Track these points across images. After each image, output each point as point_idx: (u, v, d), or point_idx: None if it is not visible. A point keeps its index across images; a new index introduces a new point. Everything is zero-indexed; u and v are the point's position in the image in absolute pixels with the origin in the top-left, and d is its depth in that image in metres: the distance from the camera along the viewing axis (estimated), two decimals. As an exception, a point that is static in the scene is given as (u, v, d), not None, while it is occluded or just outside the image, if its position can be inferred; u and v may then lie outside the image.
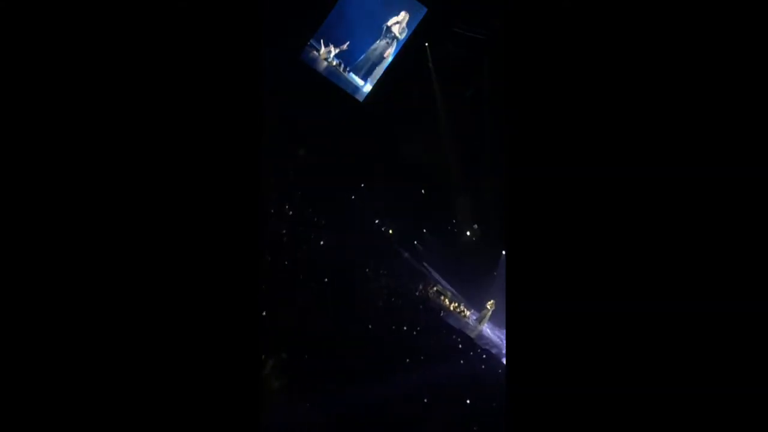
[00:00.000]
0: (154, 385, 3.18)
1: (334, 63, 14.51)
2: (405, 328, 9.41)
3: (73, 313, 3.15)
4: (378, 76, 14.98)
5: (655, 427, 3.10)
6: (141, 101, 3.28)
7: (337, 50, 14.39)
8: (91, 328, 3.16)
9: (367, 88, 15.01)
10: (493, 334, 14.80)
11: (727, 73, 3.14)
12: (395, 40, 14.66)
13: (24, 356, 3.08)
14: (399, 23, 14.46)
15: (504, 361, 12.32)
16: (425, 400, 6.42)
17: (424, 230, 18.29)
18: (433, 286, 15.42)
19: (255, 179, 3.36)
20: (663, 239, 3.18)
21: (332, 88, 14.28)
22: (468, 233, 18.63)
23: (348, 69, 14.70)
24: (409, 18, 14.44)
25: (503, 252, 18.63)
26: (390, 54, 14.79)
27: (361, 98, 15.12)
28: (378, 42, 14.65)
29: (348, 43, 14.48)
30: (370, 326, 8.07)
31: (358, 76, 14.89)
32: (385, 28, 14.53)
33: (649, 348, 3.14)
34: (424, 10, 14.26)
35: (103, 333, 3.16)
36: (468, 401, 7.28)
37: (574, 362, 3.20)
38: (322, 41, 14.04)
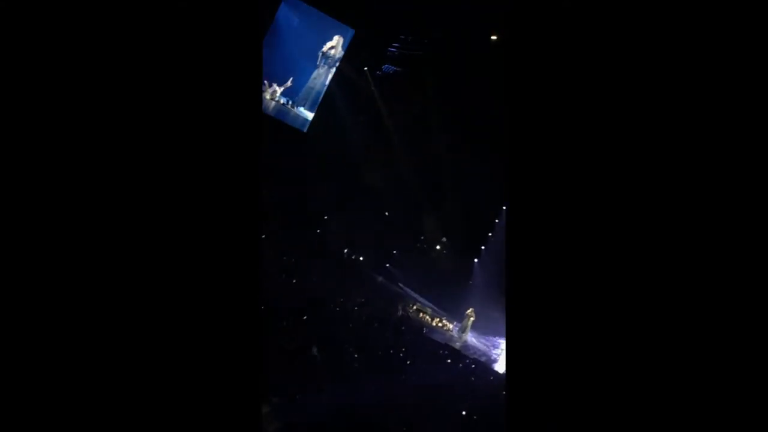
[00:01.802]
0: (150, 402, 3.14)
1: (282, 101, 14.46)
2: (391, 351, 9.35)
3: (67, 315, 3.12)
4: (317, 104, 14.98)
5: (655, 427, 3.09)
6: (140, 101, 3.26)
7: (282, 88, 14.36)
8: (85, 333, 3.12)
9: (308, 114, 14.99)
10: (479, 342, 14.77)
11: (726, 70, 3.17)
12: (335, 64, 14.69)
13: (24, 356, 3.06)
14: (334, 48, 14.49)
15: (495, 367, 12.30)
16: (422, 420, 6.35)
17: (394, 252, 18.29)
18: (412, 305, 15.36)
19: (255, 181, 3.34)
20: (661, 238, 3.17)
21: (273, 124, 14.16)
22: (438, 247, 18.67)
23: (294, 104, 14.68)
24: (335, 33, 14.48)
25: (475, 260, 18.77)
26: (330, 78, 14.81)
27: (304, 128, 15.08)
28: (317, 70, 14.66)
29: (291, 79, 14.45)
30: (356, 355, 8.00)
31: (305, 108, 14.87)
32: (320, 54, 14.55)
33: (648, 347, 3.13)
34: (352, 31, 14.34)
35: (97, 339, 3.13)
36: (464, 413, 7.22)
37: (574, 362, 3.17)
38: (265, 81, 13.95)
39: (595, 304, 3.18)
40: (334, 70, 14.69)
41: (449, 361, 10.70)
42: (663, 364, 3.10)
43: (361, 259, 17.87)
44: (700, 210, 3.13)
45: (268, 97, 14.10)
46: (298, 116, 14.84)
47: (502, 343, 15.89)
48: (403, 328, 12.02)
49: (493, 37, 13.84)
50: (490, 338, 15.64)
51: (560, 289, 3.23)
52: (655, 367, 3.10)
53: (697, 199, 3.14)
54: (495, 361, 13.29)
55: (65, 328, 3.13)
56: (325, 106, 15.15)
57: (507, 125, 3.42)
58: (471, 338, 14.65)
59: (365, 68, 15.87)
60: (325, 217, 17.22)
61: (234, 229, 3.32)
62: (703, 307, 3.07)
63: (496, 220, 18.34)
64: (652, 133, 3.20)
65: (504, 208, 18.47)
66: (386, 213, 18.18)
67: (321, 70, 14.69)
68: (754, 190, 3.08)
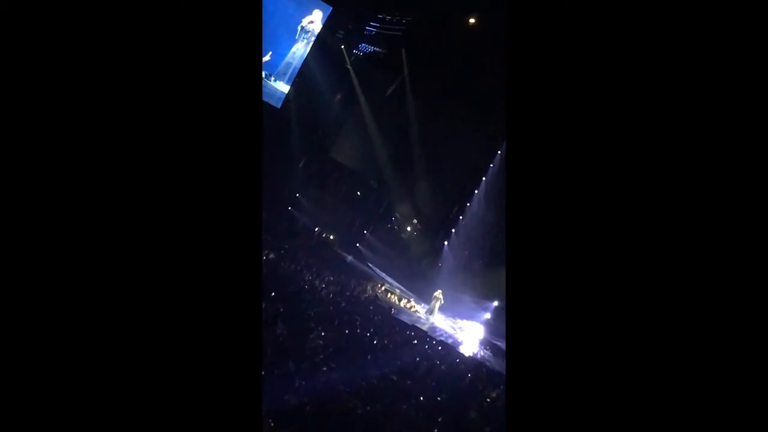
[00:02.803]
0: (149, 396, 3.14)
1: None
2: (358, 330, 9.36)
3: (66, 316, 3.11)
4: (293, 78, 14.91)
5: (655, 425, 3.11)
6: (139, 102, 3.21)
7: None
8: (85, 334, 3.12)
9: (285, 88, 14.89)
10: (446, 324, 14.91)
11: (726, 71, 3.17)
12: (313, 39, 14.60)
13: (24, 356, 3.03)
14: (313, 22, 14.40)
15: (460, 350, 12.43)
16: (386, 401, 6.39)
17: (365, 232, 18.34)
18: (381, 286, 15.42)
19: (257, 181, 3.33)
20: (664, 238, 3.18)
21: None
22: (409, 228, 18.75)
23: (273, 77, 14.56)
24: (311, 9, 14.40)
25: (445, 243, 18.91)
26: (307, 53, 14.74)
27: (279, 104, 15.00)
28: (297, 44, 14.56)
29: (270, 53, 14.33)
30: (323, 333, 7.99)
31: (283, 82, 14.76)
32: (300, 28, 14.45)
33: (649, 346, 3.14)
34: (329, 9, 14.24)
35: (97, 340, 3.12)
36: (422, 398, 7.25)
37: (574, 361, 3.18)
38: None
39: (596, 303, 3.19)
40: (311, 44, 14.61)
41: (416, 342, 10.75)
42: (665, 364, 3.11)
43: (331, 237, 17.90)
44: (704, 208, 3.14)
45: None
46: (275, 90, 14.72)
47: (469, 325, 16.11)
48: (371, 308, 12.06)
49: (471, 20, 13.84)
50: (457, 321, 15.80)
51: (561, 288, 3.24)
52: (657, 367, 3.11)
53: (701, 197, 3.15)
54: (461, 343, 13.43)
55: (65, 322, 3.12)
56: (300, 83, 15.07)
57: (507, 126, 3.41)
58: (438, 320, 14.79)
59: (342, 46, 15.79)
60: (297, 195, 17.19)
61: (235, 217, 3.31)
62: (707, 308, 3.09)
63: (468, 204, 18.51)
64: (654, 135, 3.21)
65: (476, 192, 18.66)
66: (358, 193, 18.20)
67: (300, 44, 14.59)
68: (754, 190, 3.10)
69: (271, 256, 12.00)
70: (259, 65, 3.60)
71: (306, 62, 14.94)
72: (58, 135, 3.15)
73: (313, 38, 14.45)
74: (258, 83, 3.59)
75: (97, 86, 3.19)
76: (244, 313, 3.28)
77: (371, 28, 15.53)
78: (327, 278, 12.98)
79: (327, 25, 14.61)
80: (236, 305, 3.26)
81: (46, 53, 3.16)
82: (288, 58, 14.72)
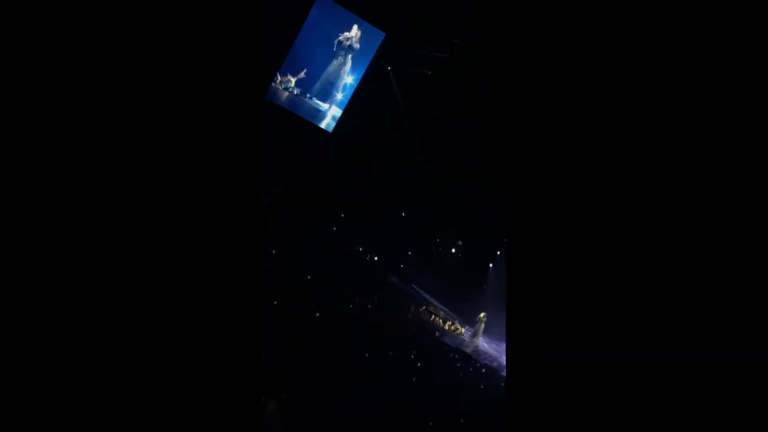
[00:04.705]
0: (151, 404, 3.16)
1: (296, 92, 14.40)
2: (402, 351, 9.34)
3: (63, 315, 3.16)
4: (344, 102, 14.90)
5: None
6: (139, 102, 3.28)
7: (296, 79, 14.26)
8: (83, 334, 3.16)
9: (335, 113, 14.91)
10: (490, 347, 14.73)
11: (727, 72, 3.16)
12: (349, 54, 14.57)
13: (22, 357, 3.08)
14: (351, 38, 14.38)
15: (504, 374, 12.27)
16: (430, 423, 6.35)
17: (409, 252, 18.31)
18: (425, 307, 15.35)
19: (256, 180, 3.36)
20: (664, 242, 3.16)
21: (297, 122, 14.12)
22: (453, 250, 18.66)
23: (309, 96, 14.62)
24: (364, 35, 14.34)
25: (490, 264, 18.74)
26: (347, 70, 14.70)
27: (329, 129, 15.06)
28: (333, 60, 14.56)
29: (305, 70, 14.38)
30: (366, 355, 8.00)
31: (320, 99, 14.80)
32: (336, 43, 14.41)
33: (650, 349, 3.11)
34: (382, 35, 14.24)
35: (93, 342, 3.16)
36: (463, 421, 7.18)
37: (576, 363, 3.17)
38: (278, 72, 13.84)
39: (596, 305, 3.18)
40: (350, 61, 14.59)
41: (459, 365, 10.69)
42: (665, 367, 3.09)
43: (375, 258, 17.91)
44: (706, 210, 3.12)
45: (280, 86, 14.00)
46: (312, 108, 14.73)
47: (514, 349, 15.85)
48: (415, 330, 12.01)
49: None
50: (502, 344, 15.60)
51: (561, 290, 3.23)
52: (657, 369, 3.09)
53: (702, 198, 3.13)
54: (506, 367, 13.26)
55: (62, 321, 3.16)
56: (344, 104, 15.13)
57: (508, 133, 3.42)
58: (482, 343, 14.63)
59: (388, 68, 15.87)
60: (342, 215, 17.28)
61: (232, 217, 3.32)
62: (706, 309, 3.06)
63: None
64: (658, 139, 3.19)
65: (521, 214, 18.45)
66: (403, 213, 18.21)
67: (336, 62, 14.59)
68: (755, 188, 3.07)
69: (315, 276, 12.05)
70: (259, 61, 3.60)
71: (349, 82, 14.94)
72: (59, 131, 3.20)
73: (351, 56, 14.41)
74: (257, 80, 3.58)
75: (98, 83, 3.25)
76: (242, 320, 3.28)
77: (419, 50, 15.54)
78: (370, 298, 12.99)
79: (373, 45, 14.60)
80: (233, 313, 3.26)
81: (47, 49, 3.22)
82: (324, 75, 14.70)
